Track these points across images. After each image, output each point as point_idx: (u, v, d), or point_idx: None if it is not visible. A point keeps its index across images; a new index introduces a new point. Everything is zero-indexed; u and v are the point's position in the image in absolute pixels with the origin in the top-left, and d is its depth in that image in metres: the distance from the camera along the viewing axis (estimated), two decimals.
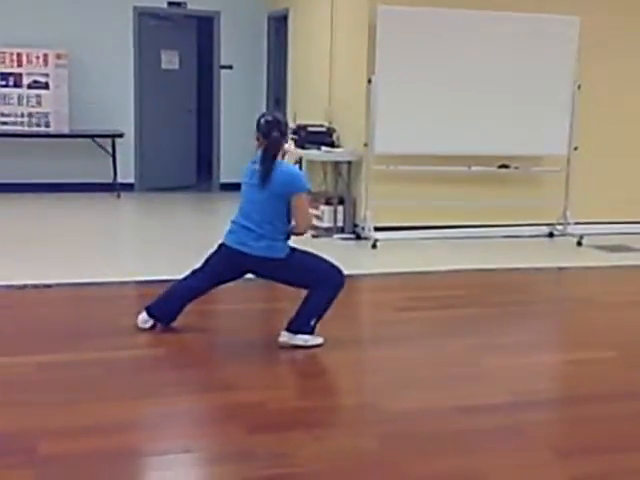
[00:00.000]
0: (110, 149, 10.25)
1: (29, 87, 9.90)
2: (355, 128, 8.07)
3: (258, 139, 4.50)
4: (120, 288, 5.87)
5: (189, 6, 10.80)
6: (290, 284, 4.64)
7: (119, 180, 10.32)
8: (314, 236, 7.96)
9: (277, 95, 10.88)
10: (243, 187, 4.60)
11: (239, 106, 10.83)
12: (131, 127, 10.60)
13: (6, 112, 9.87)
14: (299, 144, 8.60)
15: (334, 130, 8.53)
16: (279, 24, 10.65)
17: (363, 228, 7.80)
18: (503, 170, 8.14)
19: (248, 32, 10.98)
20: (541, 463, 3.25)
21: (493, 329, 5.22)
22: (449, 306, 5.63)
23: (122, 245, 7.86)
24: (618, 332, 5.19)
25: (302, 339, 4.50)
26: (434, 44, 7.70)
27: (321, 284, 4.49)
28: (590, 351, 4.76)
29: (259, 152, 4.49)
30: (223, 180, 10.82)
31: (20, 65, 9.86)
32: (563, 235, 8.24)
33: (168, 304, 4.74)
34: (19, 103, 9.90)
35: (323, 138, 8.39)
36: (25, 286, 5.70)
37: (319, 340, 4.54)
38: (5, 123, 9.87)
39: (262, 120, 4.50)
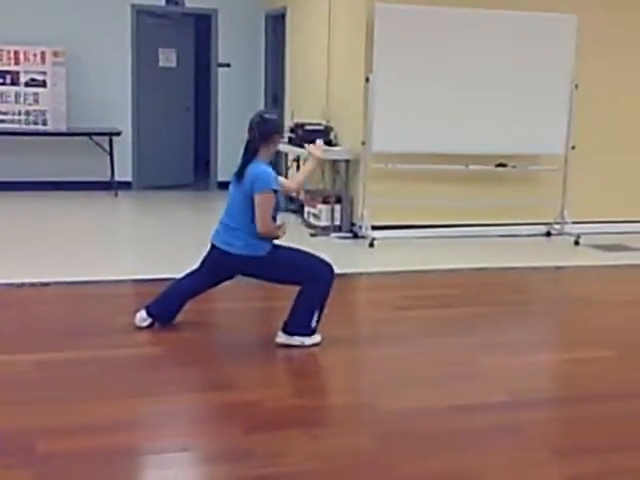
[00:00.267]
0: (107, 147, 10.24)
1: (26, 85, 9.89)
2: (353, 126, 8.07)
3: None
4: (118, 286, 5.87)
5: (187, 4, 10.79)
6: (280, 282, 4.65)
7: (116, 178, 10.30)
8: (312, 235, 7.97)
9: (275, 93, 10.88)
10: (229, 185, 4.63)
11: (237, 104, 10.81)
12: (128, 125, 10.60)
13: (3, 110, 9.86)
14: (297, 142, 8.61)
15: (332, 128, 8.54)
16: (277, 22, 10.65)
17: (361, 227, 7.80)
18: (500, 169, 8.14)
19: (246, 30, 10.98)
20: (538, 462, 3.26)
21: (490, 328, 5.23)
22: (446, 305, 5.63)
23: (119, 243, 7.85)
24: (615, 331, 5.19)
25: (299, 340, 4.50)
26: (432, 42, 7.70)
27: (311, 281, 4.48)
28: (587, 350, 4.76)
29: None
30: (220, 178, 10.81)
31: (17, 63, 9.85)
32: (560, 234, 8.25)
33: (166, 303, 4.76)
34: (16, 101, 9.89)
35: (321, 136, 8.38)
36: (23, 284, 5.70)
37: (317, 339, 4.54)
38: (2, 121, 9.86)
39: (252, 117, 4.54)
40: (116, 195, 10.12)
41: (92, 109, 10.29)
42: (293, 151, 8.94)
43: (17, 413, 3.57)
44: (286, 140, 9.16)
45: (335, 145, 8.35)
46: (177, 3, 10.77)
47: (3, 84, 9.83)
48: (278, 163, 10.42)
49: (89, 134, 10.06)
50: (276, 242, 4.56)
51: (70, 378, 4.02)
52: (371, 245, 7.48)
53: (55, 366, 4.17)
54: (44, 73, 9.90)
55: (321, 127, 8.55)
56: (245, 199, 4.42)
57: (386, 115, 7.61)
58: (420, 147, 7.74)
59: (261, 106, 10.99)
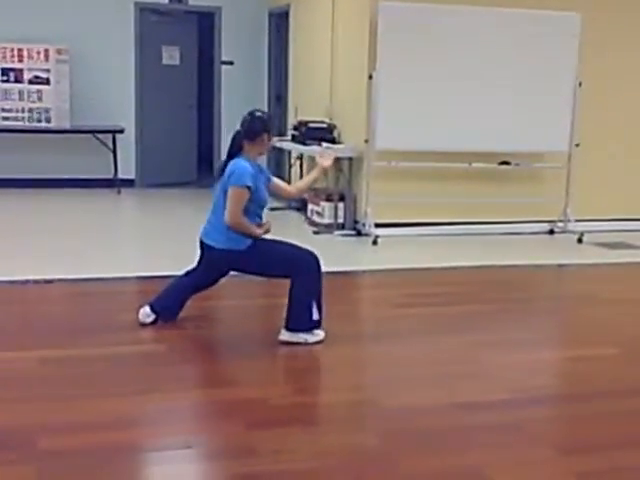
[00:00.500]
0: (111, 145, 10.25)
1: (30, 82, 9.90)
2: (356, 124, 8.07)
3: None
4: (121, 284, 5.88)
5: (190, 2, 10.80)
6: (267, 275, 4.67)
7: (120, 176, 10.32)
8: (315, 232, 7.97)
9: (278, 91, 10.88)
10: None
11: (240, 102, 10.80)
12: (132, 123, 10.61)
13: (7, 107, 9.87)
14: (300, 140, 8.61)
15: (335, 126, 8.54)
16: (280, 20, 10.65)
17: (364, 224, 7.80)
18: (504, 167, 8.14)
19: (249, 28, 10.98)
20: (541, 460, 3.25)
21: (493, 326, 5.22)
22: (449, 303, 5.63)
23: (123, 241, 7.85)
24: (619, 329, 5.18)
25: (302, 338, 4.50)
26: (435, 40, 7.70)
27: (298, 273, 4.48)
28: (591, 348, 4.76)
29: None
30: None
31: (21, 60, 9.86)
32: (564, 232, 8.24)
33: (168, 300, 4.77)
34: (20, 98, 9.90)
35: (324, 134, 8.39)
36: (27, 281, 5.71)
37: (320, 336, 4.54)
38: (6, 118, 9.87)
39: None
40: (119, 193, 10.13)
41: (95, 107, 10.30)
42: (296, 149, 8.94)
43: (20, 409, 3.57)
44: (289, 138, 9.18)
45: (338, 143, 8.34)
46: (180, 1, 10.77)
47: (7, 82, 9.84)
48: (281, 161, 10.45)
49: (92, 132, 10.07)
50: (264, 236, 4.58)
51: (73, 375, 4.02)
52: (374, 243, 7.47)
53: (58, 363, 4.18)
54: (48, 71, 9.91)
55: (324, 125, 8.55)
56: (224, 193, 4.48)
57: (389, 113, 7.60)
58: (423, 145, 7.74)
59: (264, 104, 10.99)
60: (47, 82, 9.92)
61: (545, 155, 8.38)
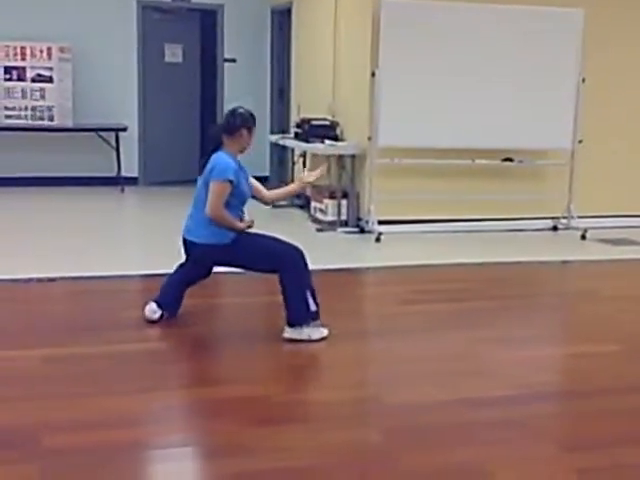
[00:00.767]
0: (114, 143, 10.25)
1: (33, 81, 9.91)
2: (359, 121, 8.06)
3: None
4: (124, 282, 5.88)
5: None
6: (253, 269, 4.68)
7: (123, 174, 10.32)
8: (318, 230, 7.97)
9: (281, 88, 10.88)
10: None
11: (242, 99, 10.79)
12: (135, 121, 10.61)
13: (10, 106, 9.88)
14: (303, 137, 8.61)
15: (338, 124, 8.53)
16: (283, 17, 10.64)
17: (367, 222, 7.79)
18: (507, 163, 8.13)
19: (252, 25, 10.97)
20: (545, 456, 3.25)
21: (496, 322, 5.22)
22: (453, 299, 5.62)
23: (126, 239, 7.86)
24: (622, 326, 5.17)
25: (306, 334, 4.50)
26: (438, 37, 7.69)
27: (284, 268, 4.50)
28: (593, 345, 4.75)
29: None
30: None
31: (24, 59, 9.87)
32: (567, 228, 8.23)
33: (167, 297, 4.80)
34: (23, 97, 9.91)
35: (327, 132, 8.38)
36: (30, 280, 5.71)
37: (324, 333, 4.54)
38: (9, 117, 9.88)
39: None
40: (122, 191, 10.14)
41: (98, 105, 10.30)
42: (299, 146, 8.94)
43: (23, 408, 3.58)
44: (292, 135, 9.17)
45: (341, 140, 8.34)
46: None
47: (10, 80, 9.85)
48: (284, 159, 10.45)
49: (95, 130, 10.08)
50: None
51: (76, 373, 4.02)
52: (377, 240, 7.47)
53: (61, 361, 4.18)
54: (50, 69, 9.92)
55: (327, 122, 8.54)
56: (206, 187, 4.53)
57: (392, 110, 7.59)
58: (426, 142, 7.73)
59: (267, 101, 11.01)
60: (50, 80, 9.93)
61: (548, 152, 8.37)
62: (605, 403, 3.85)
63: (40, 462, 3.06)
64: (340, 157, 8.16)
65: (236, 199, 4.57)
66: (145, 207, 9.84)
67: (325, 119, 8.62)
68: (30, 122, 9.92)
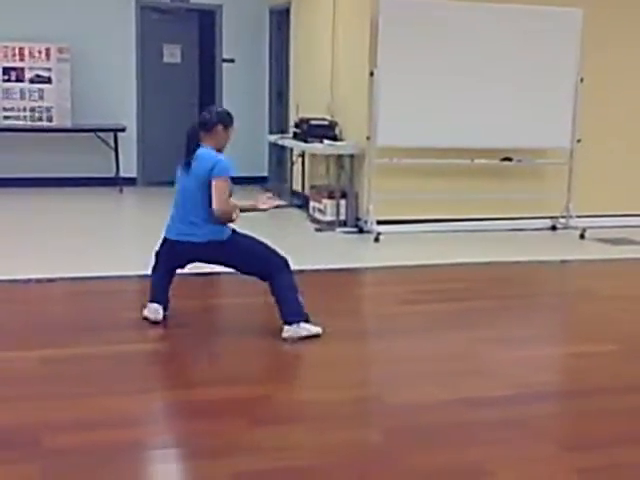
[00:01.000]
0: (112, 143, 10.25)
1: (31, 81, 9.91)
2: (357, 121, 8.06)
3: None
4: (123, 282, 5.88)
5: (191, 0, 10.79)
6: (242, 269, 4.68)
7: (121, 174, 10.32)
8: (317, 230, 7.97)
9: (279, 89, 10.88)
10: (177, 179, 4.76)
11: (241, 100, 10.81)
12: (133, 121, 10.61)
13: (9, 106, 9.88)
14: (301, 137, 8.61)
15: (336, 123, 8.53)
16: (281, 17, 10.64)
17: (366, 222, 7.79)
18: (506, 163, 8.13)
19: (250, 25, 10.97)
20: (543, 456, 3.25)
21: (496, 322, 5.22)
22: (452, 299, 5.62)
23: (125, 239, 7.86)
24: (620, 325, 5.18)
25: (305, 328, 4.51)
26: (437, 36, 7.69)
27: (272, 274, 4.56)
28: (592, 345, 4.75)
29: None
30: None
31: (22, 59, 9.87)
32: (566, 228, 8.23)
33: (161, 292, 4.80)
34: (21, 97, 9.90)
35: (326, 131, 8.38)
36: (29, 280, 5.71)
37: (320, 330, 4.56)
38: (8, 117, 9.88)
39: None
40: (121, 191, 10.13)
41: (97, 105, 10.30)
42: (298, 146, 8.93)
43: (23, 408, 3.58)
44: (291, 135, 9.17)
45: (340, 140, 8.34)
46: None
47: (8, 81, 9.85)
48: (283, 159, 10.44)
49: (94, 130, 10.07)
50: (235, 229, 4.64)
51: (76, 374, 4.02)
52: (376, 240, 7.47)
53: (61, 361, 4.18)
54: (49, 69, 9.92)
55: (326, 122, 8.54)
56: (201, 186, 4.53)
57: (391, 109, 7.59)
58: (425, 141, 7.73)
59: (265, 102, 11.01)
60: (48, 81, 9.93)
61: (547, 151, 8.37)
62: (604, 403, 3.86)
63: (40, 462, 3.06)
64: (339, 157, 8.16)
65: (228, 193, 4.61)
66: (144, 207, 9.84)
67: (324, 119, 8.62)
68: (29, 123, 9.92)
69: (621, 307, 5.61)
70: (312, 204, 8.47)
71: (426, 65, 7.69)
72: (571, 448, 3.36)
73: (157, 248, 4.84)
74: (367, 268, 6.68)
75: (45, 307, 5.26)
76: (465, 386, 4.00)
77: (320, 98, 9.00)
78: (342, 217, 8.04)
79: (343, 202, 8.05)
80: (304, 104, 9.51)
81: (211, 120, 4.66)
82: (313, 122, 8.56)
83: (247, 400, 3.75)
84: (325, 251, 7.14)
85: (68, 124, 10.01)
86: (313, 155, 8.81)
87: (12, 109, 9.88)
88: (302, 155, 9.31)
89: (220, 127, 4.66)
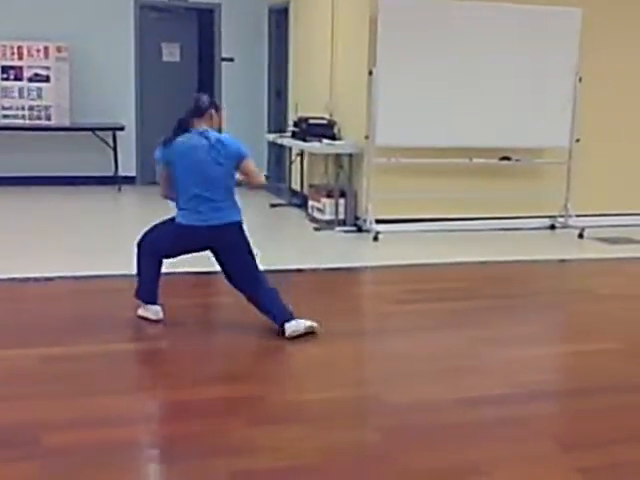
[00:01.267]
0: (111, 142, 10.25)
1: (30, 80, 9.91)
2: (356, 120, 8.06)
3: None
4: (121, 281, 5.86)
5: None
6: (235, 261, 4.68)
7: (120, 173, 10.32)
8: (316, 229, 7.96)
9: (278, 87, 10.87)
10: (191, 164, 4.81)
11: (240, 98, 10.81)
12: (132, 120, 10.60)
13: (7, 105, 9.88)
14: (300, 136, 8.61)
15: (335, 123, 8.53)
16: (280, 16, 10.63)
17: (365, 221, 7.79)
18: (504, 162, 8.13)
19: (249, 24, 10.96)
20: (543, 455, 3.26)
21: (494, 321, 5.22)
22: (450, 298, 5.63)
23: (123, 238, 7.81)
24: (620, 324, 5.18)
25: (303, 324, 4.54)
26: (436, 36, 7.68)
27: (257, 278, 4.65)
28: (592, 343, 4.76)
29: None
30: None
31: (21, 58, 9.86)
32: (565, 227, 8.24)
33: (154, 290, 4.84)
34: (20, 96, 9.90)
35: (324, 131, 8.38)
36: (27, 279, 5.71)
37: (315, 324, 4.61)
38: (6, 116, 9.88)
39: None
40: (120, 190, 10.13)
41: (96, 104, 10.29)
42: (297, 145, 8.93)
43: (23, 407, 3.58)
44: (289, 134, 9.17)
45: (339, 139, 8.34)
46: None
47: (7, 79, 9.85)
48: (281, 158, 10.44)
49: (93, 129, 10.07)
50: None
51: (75, 372, 4.02)
52: (375, 239, 7.47)
53: (60, 360, 4.18)
54: (47, 68, 9.92)
55: (325, 121, 8.54)
56: (231, 169, 4.70)
57: (390, 109, 7.59)
58: (424, 141, 7.73)
59: (264, 100, 11.01)
60: (47, 80, 9.92)
61: (546, 150, 8.38)
62: (604, 401, 3.86)
63: (40, 461, 3.06)
64: (337, 156, 8.16)
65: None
66: (142, 206, 9.82)
67: (323, 118, 8.62)
68: (27, 122, 9.92)
69: (620, 306, 5.61)
70: (311, 203, 8.47)
71: (425, 64, 7.68)
72: (570, 447, 3.36)
73: (157, 245, 4.89)
74: (366, 267, 6.68)
75: (44, 306, 5.25)
76: (464, 385, 4.00)
77: (319, 97, 9.00)
78: (341, 216, 8.04)
79: (342, 201, 8.05)
80: (303, 103, 9.51)
81: (205, 104, 4.85)
82: (312, 121, 8.56)
83: (244, 399, 3.75)
84: (324, 250, 7.14)
85: (67, 123, 10.01)
86: (312, 154, 8.81)
87: (11, 108, 9.88)
88: (301, 154, 9.31)
89: (212, 110, 4.86)
